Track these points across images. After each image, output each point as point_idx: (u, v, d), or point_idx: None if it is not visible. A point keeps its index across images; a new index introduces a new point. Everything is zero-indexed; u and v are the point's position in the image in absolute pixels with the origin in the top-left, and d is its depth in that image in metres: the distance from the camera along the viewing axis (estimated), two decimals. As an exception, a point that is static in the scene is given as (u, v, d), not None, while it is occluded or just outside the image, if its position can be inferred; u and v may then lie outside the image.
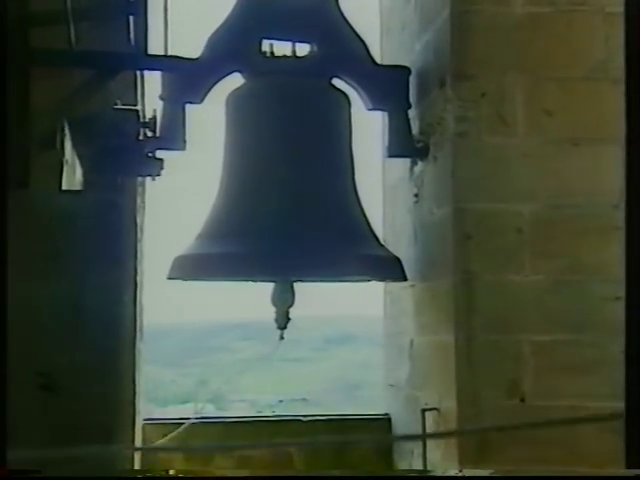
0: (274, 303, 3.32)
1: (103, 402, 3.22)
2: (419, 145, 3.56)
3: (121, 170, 3.24)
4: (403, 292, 3.74)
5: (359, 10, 3.83)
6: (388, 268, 3.40)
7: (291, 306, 3.32)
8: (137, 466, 3.33)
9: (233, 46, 3.37)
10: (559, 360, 3.24)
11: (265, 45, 3.40)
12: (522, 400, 3.23)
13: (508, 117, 3.30)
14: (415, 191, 3.66)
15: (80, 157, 3.03)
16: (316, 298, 3.59)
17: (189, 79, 3.32)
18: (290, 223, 3.25)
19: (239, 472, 3.31)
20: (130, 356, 3.31)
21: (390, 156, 3.65)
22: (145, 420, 3.71)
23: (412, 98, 3.55)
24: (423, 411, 3.45)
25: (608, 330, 3.03)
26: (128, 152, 3.21)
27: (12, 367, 1.77)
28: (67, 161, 2.85)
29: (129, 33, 3.12)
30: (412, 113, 3.56)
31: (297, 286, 3.32)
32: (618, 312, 1.67)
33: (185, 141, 3.33)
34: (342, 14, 3.48)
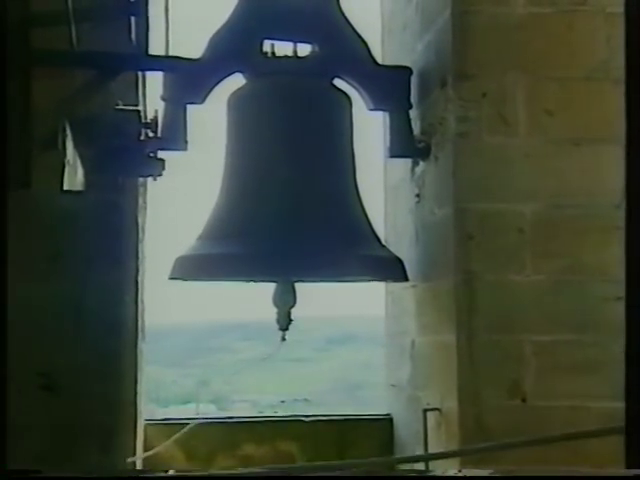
0: (275, 304, 3.31)
1: (104, 402, 3.23)
2: (420, 145, 3.56)
3: (122, 170, 3.24)
4: (405, 292, 3.74)
5: (360, 10, 3.83)
6: (389, 268, 3.40)
7: (292, 307, 3.31)
8: (139, 465, 3.33)
9: (234, 46, 3.37)
10: (561, 360, 3.24)
11: (266, 45, 3.40)
12: (523, 400, 3.23)
13: (509, 117, 3.30)
14: (416, 191, 3.66)
15: (81, 157, 3.03)
16: (317, 298, 3.59)
17: (190, 79, 3.32)
18: (291, 223, 3.25)
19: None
20: (131, 356, 3.31)
21: (391, 156, 3.65)
22: (147, 420, 3.71)
23: (413, 98, 3.55)
24: (425, 411, 3.45)
25: (609, 330, 3.03)
26: (129, 152, 3.21)
27: (13, 368, 1.77)
28: (68, 161, 2.86)
29: (130, 33, 3.12)
30: (413, 113, 3.56)
31: (298, 286, 3.32)
32: (619, 312, 1.67)
33: (186, 141, 3.33)
34: (343, 14, 3.48)
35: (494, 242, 3.28)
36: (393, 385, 3.97)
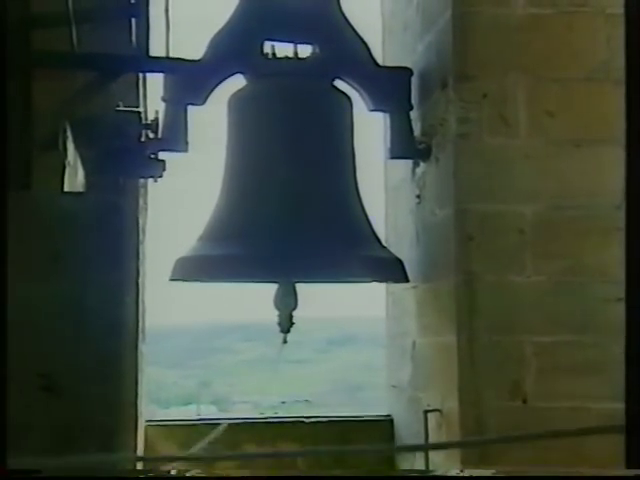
0: (277, 306, 3.30)
1: (105, 403, 3.22)
2: (421, 146, 3.56)
3: (123, 171, 3.24)
4: (405, 293, 3.74)
5: (361, 11, 3.84)
6: (390, 269, 3.40)
7: (294, 309, 3.30)
8: (139, 466, 3.33)
9: (235, 48, 3.38)
10: (561, 361, 3.24)
11: (267, 46, 3.40)
12: (524, 401, 3.23)
13: (510, 118, 3.30)
14: (417, 192, 3.66)
15: (82, 158, 3.03)
16: (318, 299, 3.59)
17: (191, 81, 3.32)
18: (292, 224, 3.25)
19: (241, 473, 3.30)
20: (132, 357, 3.31)
21: (392, 157, 3.65)
22: (147, 421, 3.71)
23: (414, 99, 3.55)
24: (425, 412, 3.45)
25: (610, 331, 3.03)
26: (130, 154, 3.22)
27: (14, 368, 1.77)
28: (69, 162, 2.86)
29: (131, 35, 3.13)
30: (414, 114, 3.56)
31: (299, 287, 3.32)
32: (620, 313, 1.67)
33: (187, 142, 3.34)
34: (344, 15, 3.48)
35: (495, 243, 3.28)
36: (394, 386, 3.97)
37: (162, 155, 3.33)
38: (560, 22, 3.32)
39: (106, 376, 3.23)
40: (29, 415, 2.99)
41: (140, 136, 3.26)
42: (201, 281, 3.42)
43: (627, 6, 1.65)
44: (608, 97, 3.15)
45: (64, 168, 2.82)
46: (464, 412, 3.24)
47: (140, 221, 3.37)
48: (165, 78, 3.34)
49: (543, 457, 2.73)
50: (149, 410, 3.84)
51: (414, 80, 3.57)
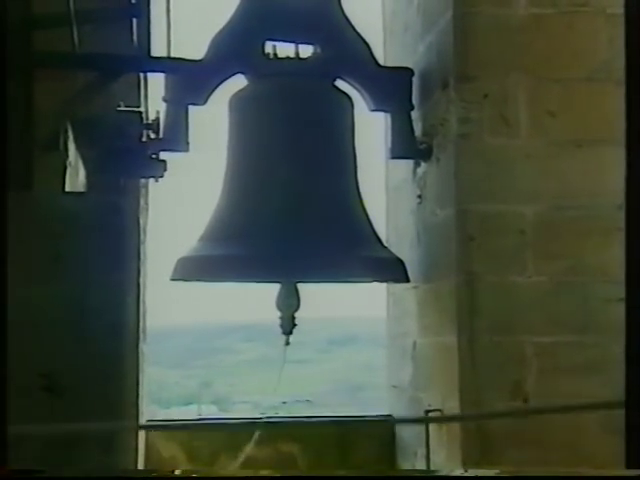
0: (279, 308, 3.29)
1: (106, 403, 3.23)
2: (422, 146, 3.56)
3: (124, 172, 3.25)
4: (406, 293, 3.74)
5: (362, 11, 3.84)
6: (391, 269, 3.40)
7: (296, 310, 3.29)
8: (140, 466, 3.34)
9: (236, 48, 3.38)
10: (562, 361, 3.24)
11: (268, 46, 3.40)
12: (525, 401, 3.23)
13: (511, 118, 3.30)
14: (418, 192, 3.66)
15: (83, 159, 3.04)
16: (319, 299, 3.59)
17: (192, 81, 3.32)
18: (293, 225, 3.25)
19: (242, 472, 3.31)
20: (133, 357, 3.32)
21: (393, 157, 3.65)
22: (148, 421, 3.71)
23: (415, 99, 3.55)
24: (426, 412, 3.45)
25: (611, 331, 3.03)
26: (131, 154, 3.22)
27: (15, 368, 1.77)
28: (70, 163, 2.86)
29: (132, 35, 3.13)
30: (415, 114, 3.56)
31: (300, 288, 3.31)
32: (621, 313, 1.67)
33: (188, 142, 3.33)
34: (345, 15, 3.48)
35: (495, 243, 3.28)
36: (394, 386, 3.97)
37: (163, 155, 3.33)
38: (561, 22, 3.32)
39: (107, 376, 3.23)
40: (30, 415, 2.99)
41: (141, 136, 3.26)
42: (202, 281, 3.41)
43: (627, 6, 1.65)
44: (609, 97, 3.15)
45: (65, 168, 2.82)
46: (465, 412, 3.24)
47: (141, 221, 3.37)
48: (166, 78, 3.34)
49: (544, 458, 2.73)
50: (150, 410, 3.84)
51: (415, 80, 3.56)
